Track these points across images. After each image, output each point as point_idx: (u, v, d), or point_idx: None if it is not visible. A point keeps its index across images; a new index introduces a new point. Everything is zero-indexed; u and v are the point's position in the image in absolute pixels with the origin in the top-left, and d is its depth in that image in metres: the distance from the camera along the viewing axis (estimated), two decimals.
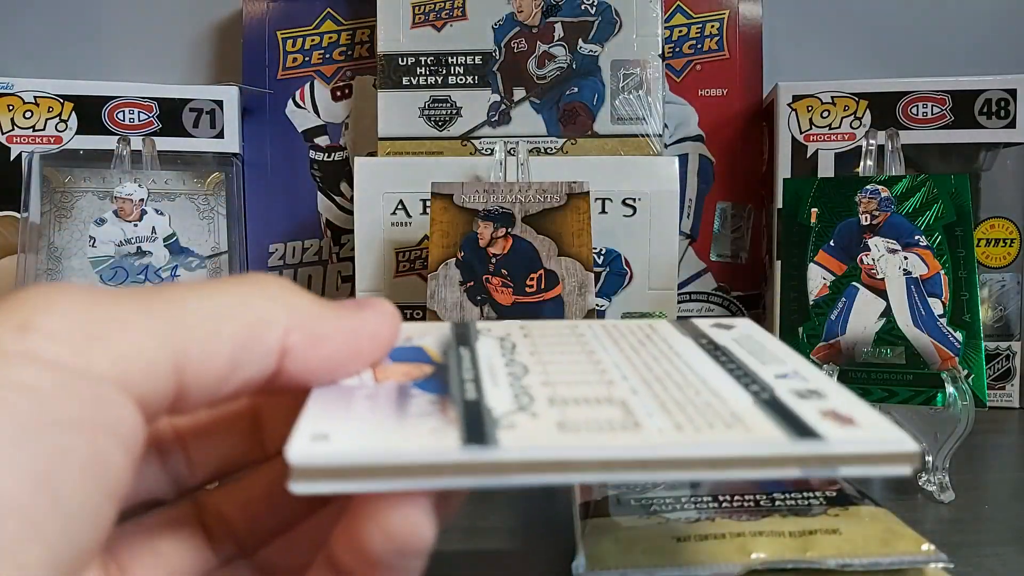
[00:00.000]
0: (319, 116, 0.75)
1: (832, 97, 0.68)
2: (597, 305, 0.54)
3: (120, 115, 0.69)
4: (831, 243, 0.51)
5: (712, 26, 0.74)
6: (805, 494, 0.36)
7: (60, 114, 0.68)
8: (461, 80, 0.68)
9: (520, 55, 0.68)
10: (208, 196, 0.64)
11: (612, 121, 0.68)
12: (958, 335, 0.47)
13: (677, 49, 0.74)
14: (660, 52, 0.68)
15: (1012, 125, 0.66)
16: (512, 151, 0.56)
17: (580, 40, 0.68)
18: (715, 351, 0.26)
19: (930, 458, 0.42)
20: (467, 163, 0.59)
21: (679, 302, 0.67)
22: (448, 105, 0.68)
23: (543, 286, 0.50)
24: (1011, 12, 0.81)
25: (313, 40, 0.75)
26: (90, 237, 0.61)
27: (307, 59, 0.75)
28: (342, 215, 0.75)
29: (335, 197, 0.75)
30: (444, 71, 0.68)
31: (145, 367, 0.19)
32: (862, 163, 0.55)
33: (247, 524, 0.24)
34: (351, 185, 0.62)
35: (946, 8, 0.81)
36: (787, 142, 0.69)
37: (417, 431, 0.20)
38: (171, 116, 0.69)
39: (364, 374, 0.23)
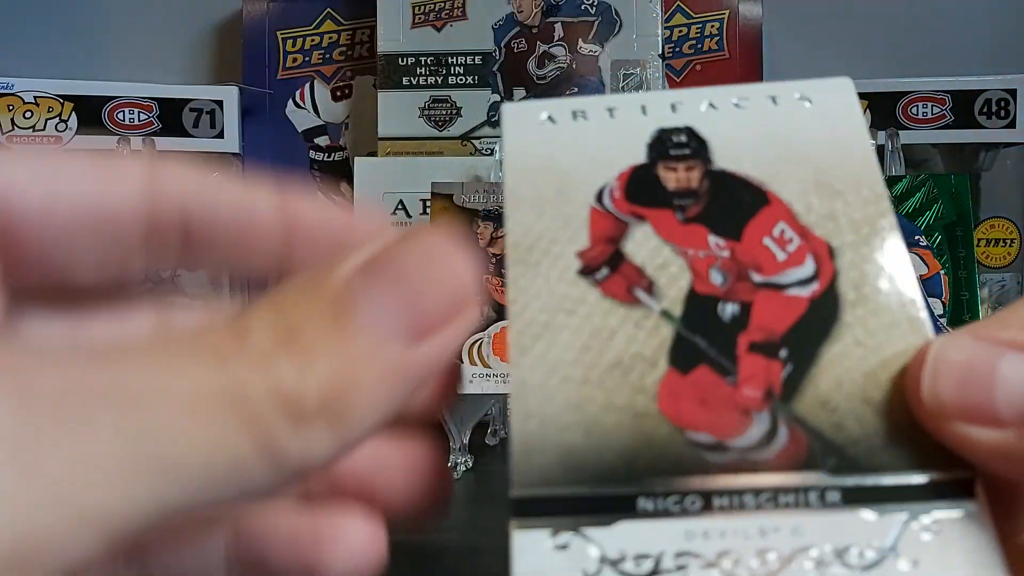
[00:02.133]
0: (319, 116, 0.75)
1: None
2: None
3: (120, 115, 0.69)
4: None
5: (712, 26, 0.74)
6: None
7: (60, 114, 0.68)
8: (461, 80, 0.68)
9: (520, 55, 0.68)
10: None
11: None
12: None
13: (677, 49, 0.74)
14: (660, 52, 0.68)
15: (1012, 125, 0.66)
16: None
17: (580, 40, 0.68)
18: None
19: None
20: (467, 163, 0.60)
21: None
22: (448, 105, 0.68)
23: None
24: (1011, 12, 0.81)
25: (313, 40, 0.75)
26: None
27: (307, 59, 0.75)
28: None
29: (335, 197, 0.75)
30: (444, 71, 0.68)
31: None
32: None
33: None
34: (351, 185, 0.62)
35: (946, 8, 0.81)
36: None
37: None
38: (171, 116, 0.69)
39: None
